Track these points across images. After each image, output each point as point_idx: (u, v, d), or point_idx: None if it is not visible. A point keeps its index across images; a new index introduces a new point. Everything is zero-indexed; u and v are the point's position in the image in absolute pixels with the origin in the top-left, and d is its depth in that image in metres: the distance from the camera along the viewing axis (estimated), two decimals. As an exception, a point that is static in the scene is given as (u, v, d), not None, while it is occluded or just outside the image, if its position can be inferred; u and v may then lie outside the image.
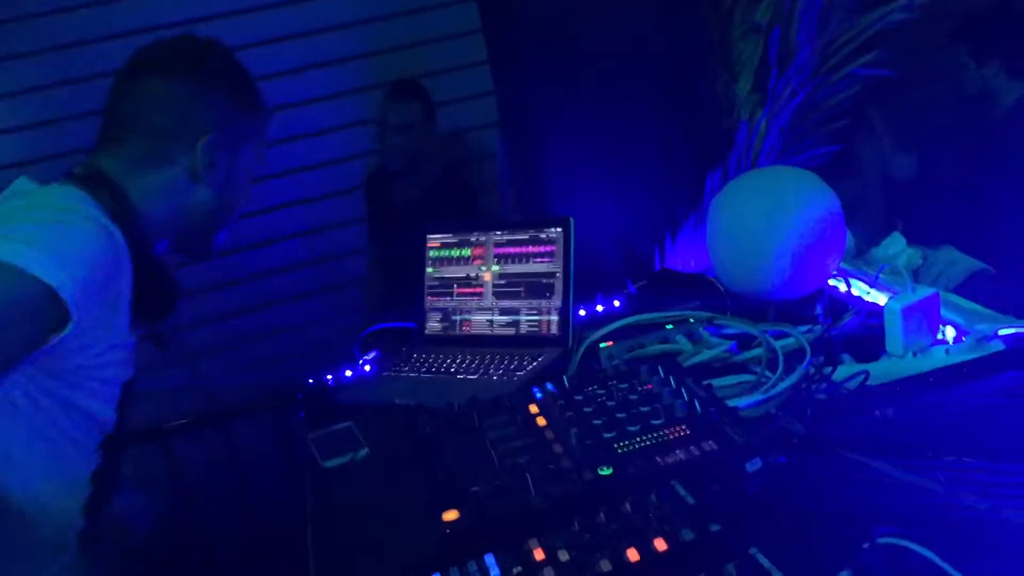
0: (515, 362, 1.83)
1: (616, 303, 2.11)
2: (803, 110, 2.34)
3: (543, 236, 1.96)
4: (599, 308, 2.11)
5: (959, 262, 2.44)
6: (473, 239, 2.05)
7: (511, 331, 1.97)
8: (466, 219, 2.96)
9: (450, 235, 2.09)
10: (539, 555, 1.03)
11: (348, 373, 1.98)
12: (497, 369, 1.82)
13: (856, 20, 2.30)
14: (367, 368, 2.00)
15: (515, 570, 1.01)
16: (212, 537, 2.74)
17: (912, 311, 1.54)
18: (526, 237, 1.98)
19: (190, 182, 1.43)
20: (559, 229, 1.95)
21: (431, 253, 2.10)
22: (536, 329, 1.94)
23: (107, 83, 1.42)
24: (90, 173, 1.36)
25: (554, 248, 1.95)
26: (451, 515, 1.13)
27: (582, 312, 2.08)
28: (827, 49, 2.30)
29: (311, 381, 1.92)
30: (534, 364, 1.81)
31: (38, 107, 3.00)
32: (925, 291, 1.59)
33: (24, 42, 2.93)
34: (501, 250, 2.01)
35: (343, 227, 3.41)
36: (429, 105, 3.12)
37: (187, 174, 1.43)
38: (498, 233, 2.03)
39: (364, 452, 1.51)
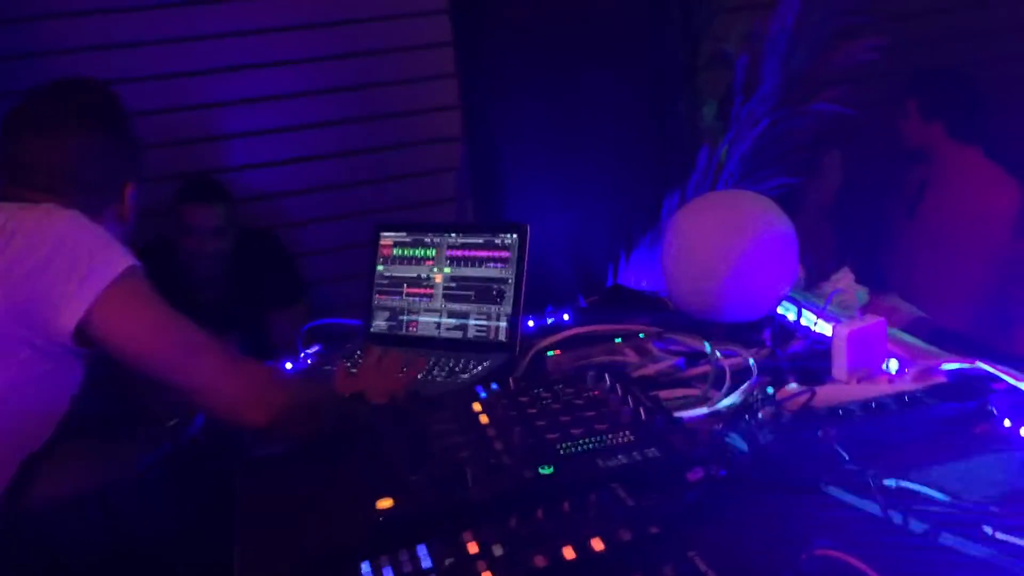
0: (460, 365, 1.81)
1: (566, 316, 2.09)
2: (764, 140, 2.37)
3: (497, 241, 1.94)
4: (549, 320, 2.10)
5: (901, 308, 2.48)
6: (427, 239, 2.03)
7: (458, 334, 1.94)
8: (421, 221, 2.91)
9: (404, 234, 2.06)
10: (473, 548, 1.00)
11: (288, 366, 1.94)
12: (441, 371, 1.80)
13: (823, 54, 2.35)
14: (308, 362, 1.96)
15: (447, 561, 0.99)
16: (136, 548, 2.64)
17: (858, 337, 1.55)
18: (480, 241, 1.97)
19: (116, 223, 1.53)
20: (514, 235, 1.93)
21: (382, 251, 2.07)
22: (484, 334, 1.92)
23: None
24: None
25: (508, 254, 1.93)
26: (385, 503, 1.10)
27: (531, 323, 2.07)
28: (791, 82, 2.34)
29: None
30: (479, 368, 1.79)
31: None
32: (872, 319, 1.60)
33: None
34: (454, 252, 1.99)
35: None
36: (232, 199, 2.80)
37: (114, 217, 1.54)
38: (452, 235, 2.00)
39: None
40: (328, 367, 1.87)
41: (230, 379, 1.40)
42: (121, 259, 1.36)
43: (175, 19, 2.90)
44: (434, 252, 2.02)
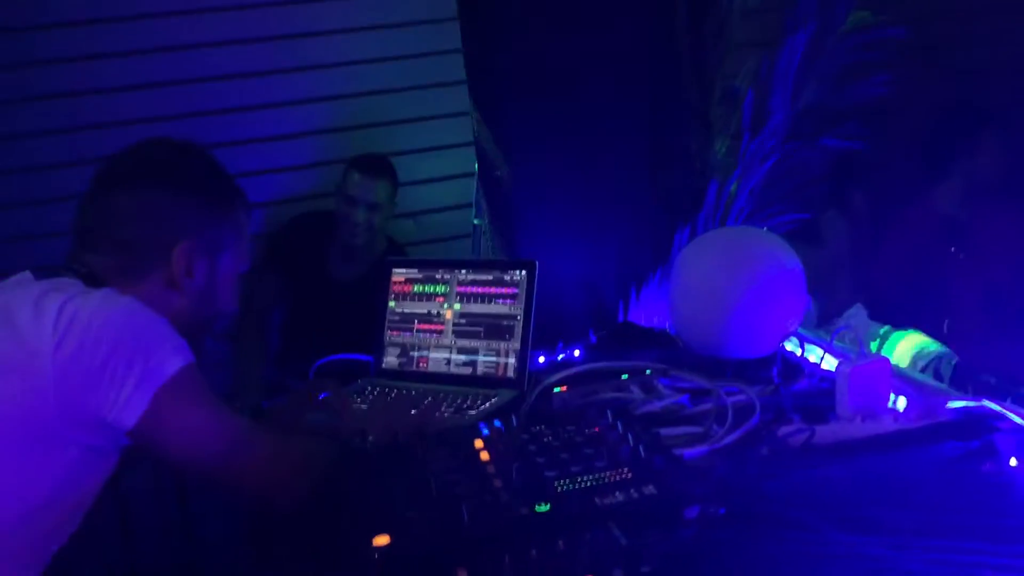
0: (468, 401, 1.82)
1: (576, 352, 2.11)
2: (774, 175, 2.38)
3: (507, 278, 1.96)
4: (559, 356, 2.11)
5: (923, 345, 2.46)
6: (438, 276, 2.05)
7: (468, 371, 1.96)
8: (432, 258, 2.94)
9: (415, 270, 2.08)
10: (466, 585, 1.01)
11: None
12: (449, 407, 1.81)
13: (831, 90, 2.36)
14: (319, 396, 1.98)
15: (440, 599, 1.00)
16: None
17: (862, 375, 1.55)
18: (490, 278, 1.98)
19: (168, 291, 1.42)
20: (523, 272, 1.95)
21: (393, 287, 2.09)
22: (492, 370, 1.93)
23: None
24: (88, 273, 1.37)
25: (517, 291, 1.95)
26: (382, 540, 1.11)
27: (542, 359, 2.08)
28: (800, 117, 2.35)
29: (264, 404, 1.90)
30: (487, 404, 1.80)
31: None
32: (876, 356, 1.60)
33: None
34: (464, 289, 2.01)
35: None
36: (396, 184, 3.03)
37: (164, 283, 1.42)
38: (462, 272, 2.02)
39: None
40: (335, 403, 1.89)
41: (263, 474, 1.37)
42: (174, 358, 1.30)
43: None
44: (445, 288, 2.04)
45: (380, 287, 2.11)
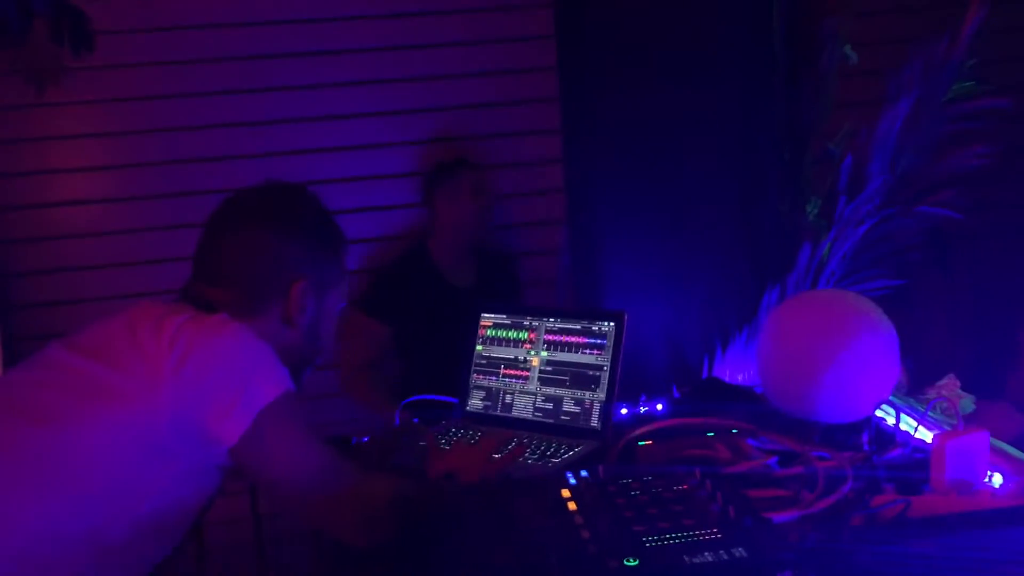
0: (552, 449, 1.83)
1: (659, 406, 2.10)
2: (868, 240, 2.36)
3: (595, 328, 1.98)
4: (642, 409, 2.10)
5: (1014, 419, 2.39)
6: (526, 323, 2.07)
7: (551, 419, 1.97)
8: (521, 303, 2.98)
9: (504, 316, 2.11)
10: (554, 635, 1.02)
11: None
12: (533, 453, 1.82)
13: (930, 158, 2.34)
14: (403, 438, 2.01)
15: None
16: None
17: (959, 448, 1.52)
18: (578, 327, 2.00)
19: (282, 325, 1.51)
20: (611, 323, 1.96)
21: (482, 332, 2.12)
22: (577, 420, 1.94)
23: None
24: (205, 303, 1.44)
25: (604, 341, 1.96)
26: (470, 584, 1.13)
27: (624, 411, 2.08)
28: (897, 183, 2.33)
29: (353, 440, 1.93)
30: (571, 453, 1.80)
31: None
32: (974, 430, 1.57)
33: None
34: (552, 337, 2.03)
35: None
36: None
37: (280, 318, 1.50)
38: (551, 320, 2.04)
39: None
40: (422, 443, 1.91)
41: (345, 508, 1.41)
42: (277, 384, 1.37)
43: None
44: (532, 335, 2.06)
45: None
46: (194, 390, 1.31)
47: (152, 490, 1.31)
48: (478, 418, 2.05)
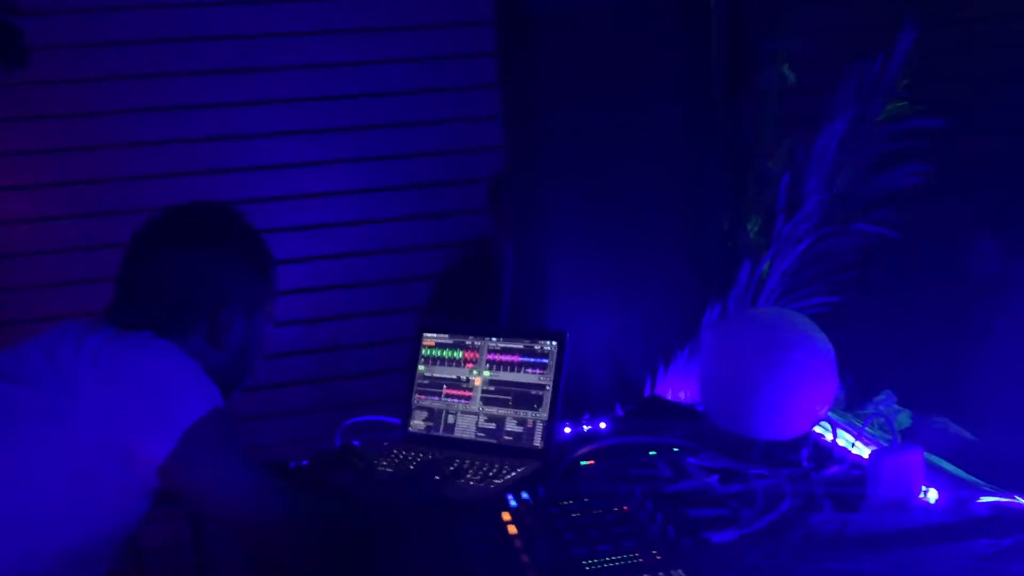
0: (494, 469, 1.82)
1: (603, 424, 2.10)
2: (807, 258, 2.39)
3: (537, 347, 1.97)
4: (585, 428, 2.10)
5: (949, 431, 2.44)
6: (468, 342, 2.06)
7: (494, 439, 1.96)
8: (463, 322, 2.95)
9: (446, 335, 2.10)
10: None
11: (325, 461, 1.96)
12: (475, 474, 1.81)
13: (866, 177, 2.38)
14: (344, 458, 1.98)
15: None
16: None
17: (895, 465, 1.54)
18: (520, 347, 1.99)
19: (209, 346, 1.48)
20: (554, 342, 1.96)
21: (424, 351, 2.10)
22: (519, 439, 1.93)
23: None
24: (130, 323, 1.40)
25: (547, 360, 1.95)
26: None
27: (567, 429, 2.08)
28: (834, 202, 2.37)
29: (291, 464, 1.90)
30: (513, 474, 1.79)
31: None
32: (909, 447, 1.59)
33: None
34: (494, 356, 2.02)
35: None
36: None
37: (205, 340, 1.48)
38: (493, 339, 2.04)
39: None
40: (362, 464, 1.89)
41: (279, 529, 1.37)
42: (206, 401, 1.34)
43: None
44: (475, 355, 2.05)
45: None
46: (116, 406, 1.28)
47: (75, 512, 1.28)
48: (420, 439, 2.03)
